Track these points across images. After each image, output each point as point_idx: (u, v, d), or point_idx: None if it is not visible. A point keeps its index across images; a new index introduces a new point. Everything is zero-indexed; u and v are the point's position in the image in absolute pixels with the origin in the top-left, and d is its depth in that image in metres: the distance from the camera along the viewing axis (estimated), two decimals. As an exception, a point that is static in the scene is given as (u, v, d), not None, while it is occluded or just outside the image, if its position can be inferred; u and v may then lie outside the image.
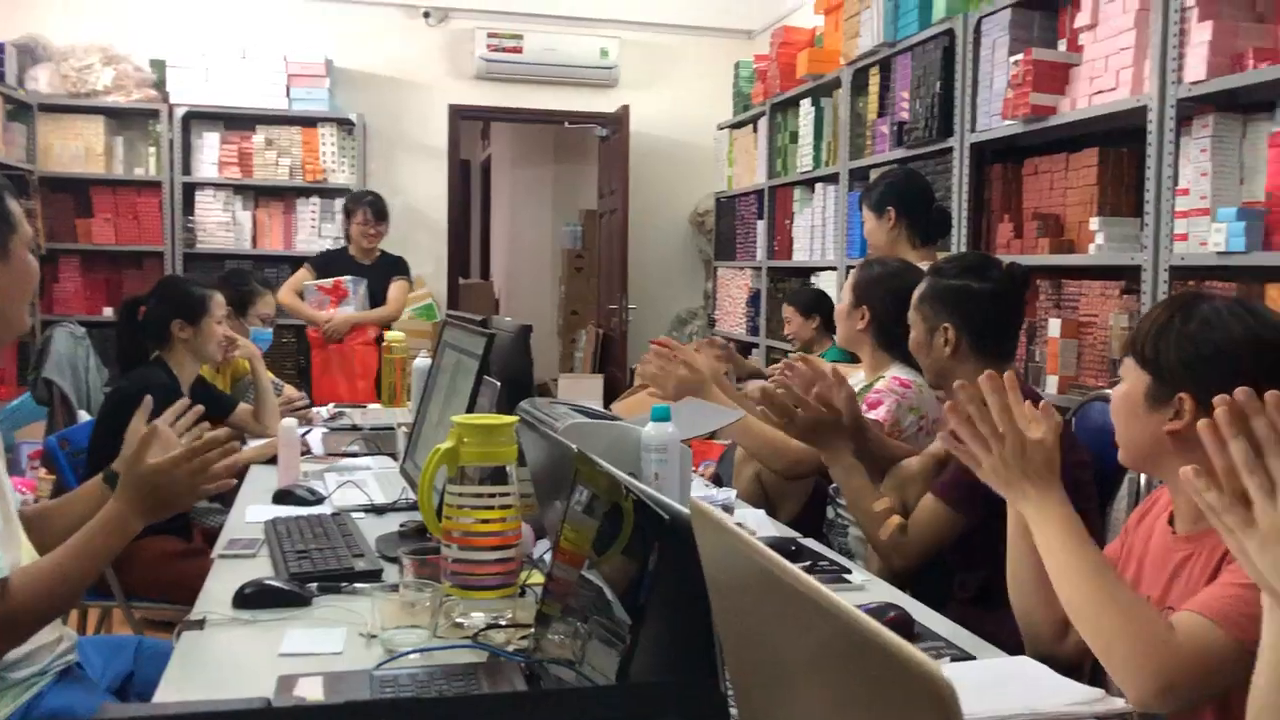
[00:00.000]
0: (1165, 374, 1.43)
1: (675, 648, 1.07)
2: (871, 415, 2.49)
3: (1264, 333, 1.41)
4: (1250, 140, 2.81)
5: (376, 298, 5.11)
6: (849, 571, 1.96)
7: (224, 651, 1.53)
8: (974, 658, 1.53)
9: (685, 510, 1.02)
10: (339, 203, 5.93)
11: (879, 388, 2.59)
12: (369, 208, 5.15)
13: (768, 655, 0.80)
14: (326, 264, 5.19)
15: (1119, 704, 1.32)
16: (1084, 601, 1.34)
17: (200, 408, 1.95)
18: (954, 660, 1.51)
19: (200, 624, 1.61)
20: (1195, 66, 2.82)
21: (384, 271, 5.18)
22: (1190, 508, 1.40)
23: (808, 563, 2.00)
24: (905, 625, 1.61)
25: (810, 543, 2.19)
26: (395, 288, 5.16)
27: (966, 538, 2.10)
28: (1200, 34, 2.81)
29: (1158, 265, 2.96)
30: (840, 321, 2.79)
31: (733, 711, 0.96)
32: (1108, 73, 3.19)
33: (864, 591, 1.85)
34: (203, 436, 1.73)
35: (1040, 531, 1.43)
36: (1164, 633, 1.27)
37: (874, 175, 4.66)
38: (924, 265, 2.80)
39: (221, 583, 1.78)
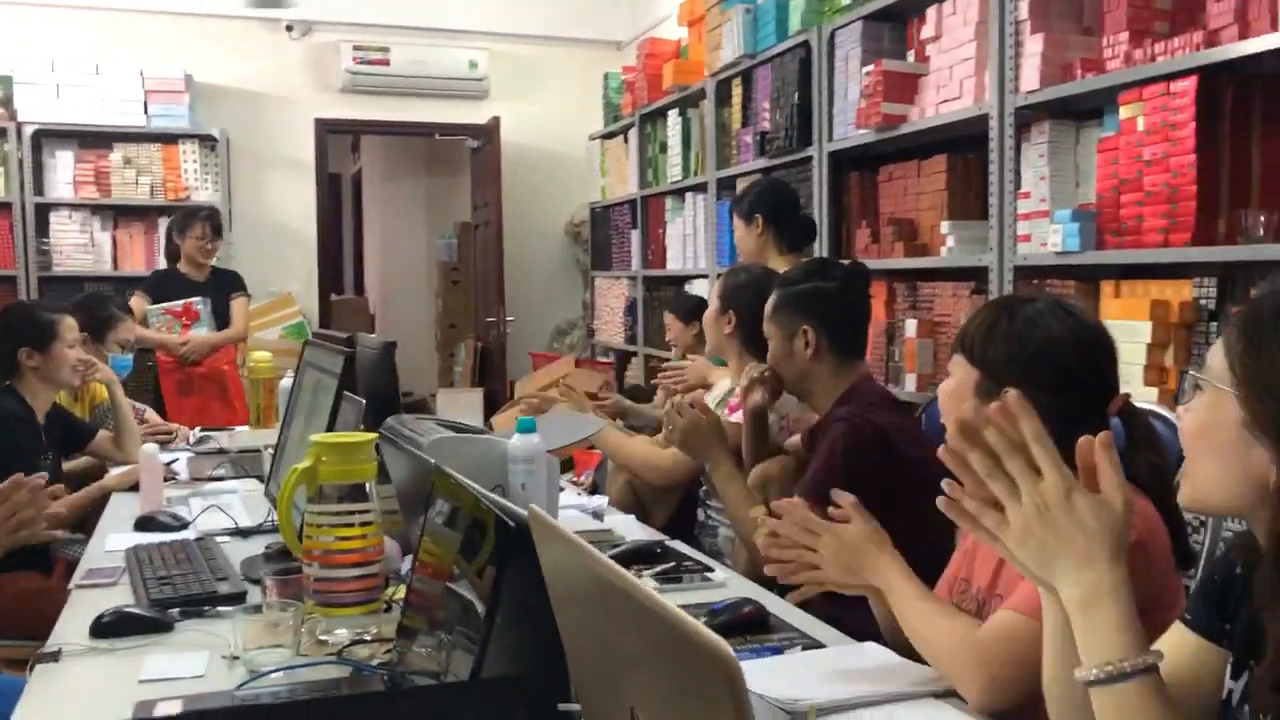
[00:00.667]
0: (994, 369, 1.52)
1: (524, 648, 1.11)
2: (733, 418, 2.57)
3: (1080, 331, 1.53)
4: (1083, 145, 2.98)
5: (218, 315, 4.99)
6: (712, 570, 2.03)
7: (80, 682, 1.51)
8: (824, 646, 1.60)
9: (524, 513, 1.05)
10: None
11: (739, 392, 2.67)
12: (207, 223, 4.99)
13: (600, 648, 0.85)
14: (163, 287, 5.00)
15: (955, 682, 1.40)
16: (913, 631, 1.45)
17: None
18: (805, 649, 1.57)
19: (55, 656, 1.57)
20: (1030, 76, 2.98)
21: (220, 288, 5.05)
22: None
23: (672, 563, 2.05)
24: (760, 618, 1.67)
25: (677, 544, 2.25)
26: (237, 305, 5.04)
27: None
28: (1033, 45, 2.97)
29: (1003, 265, 3.12)
30: (708, 328, 2.87)
31: (576, 706, 1.00)
32: (952, 82, 3.34)
33: (725, 588, 1.92)
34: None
35: (893, 600, 1.52)
36: (970, 635, 1.36)
37: (740, 184, 4.77)
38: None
39: (79, 613, 1.75)
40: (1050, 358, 1.49)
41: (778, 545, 1.59)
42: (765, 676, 1.42)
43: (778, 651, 1.57)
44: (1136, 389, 2.58)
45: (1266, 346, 0.98)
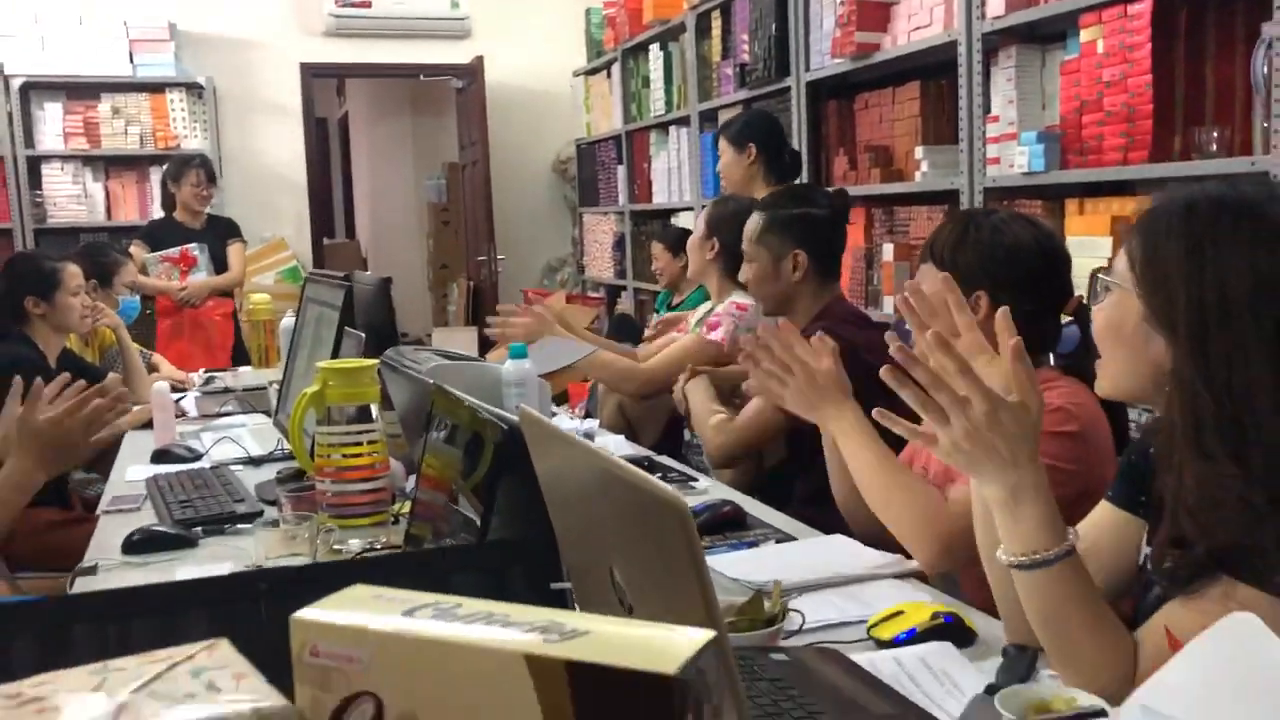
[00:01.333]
0: (966, 275, 1.64)
1: (519, 533, 1.24)
2: (711, 336, 2.72)
3: (1042, 238, 1.67)
4: (1049, 68, 3.08)
5: (216, 261, 5.09)
6: (696, 480, 2.17)
7: (117, 592, 1.65)
8: (796, 539, 1.75)
9: (517, 419, 1.18)
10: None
11: (718, 311, 2.82)
12: (201, 169, 5.06)
13: (582, 522, 0.98)
14: (160, 235, 5.08)
15: (913, 564, 1.55)
16: (875, 489, 1.58)
17: (66, 375, 2.03)
18: (778, 542, 1.72)
19: (93, 570, 1.72)
20: (996, 2, 3.07)
21: (216, 234, 5.13)
22: None
23: (659, 475, 2.20)
24: (738, 516, 1.82)
25: (665, 459, 2.39)
26: (234, 251, 5.13)
27: (799, 445, 2.32)
28: (999, -29, 3.06)
29: (973, 188, 3.23)
30: (692, 253, 3.00)
31: (568, 585, 1.14)
32: (922, 10, 3.43)
33: (706, 494, 2.06)
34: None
35: (842, 442, 1.65)
36: (937, 505, 1.50)
37: (723, 116, 4.86)
38: None
39: (109, 535, 1.89)
40: (1018, 262, 1.62)
41: (758, 358, 1.70)
42: (742, 565, 1.57)
43: (753, 545, 1.71)
44: (1098, 301, 2.72)
45: (1160, 248, 1.11)
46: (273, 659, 0.82)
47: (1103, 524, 1.28)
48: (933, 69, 3.59)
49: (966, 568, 1.52)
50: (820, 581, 1.50)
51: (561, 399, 4.37)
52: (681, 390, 2.54)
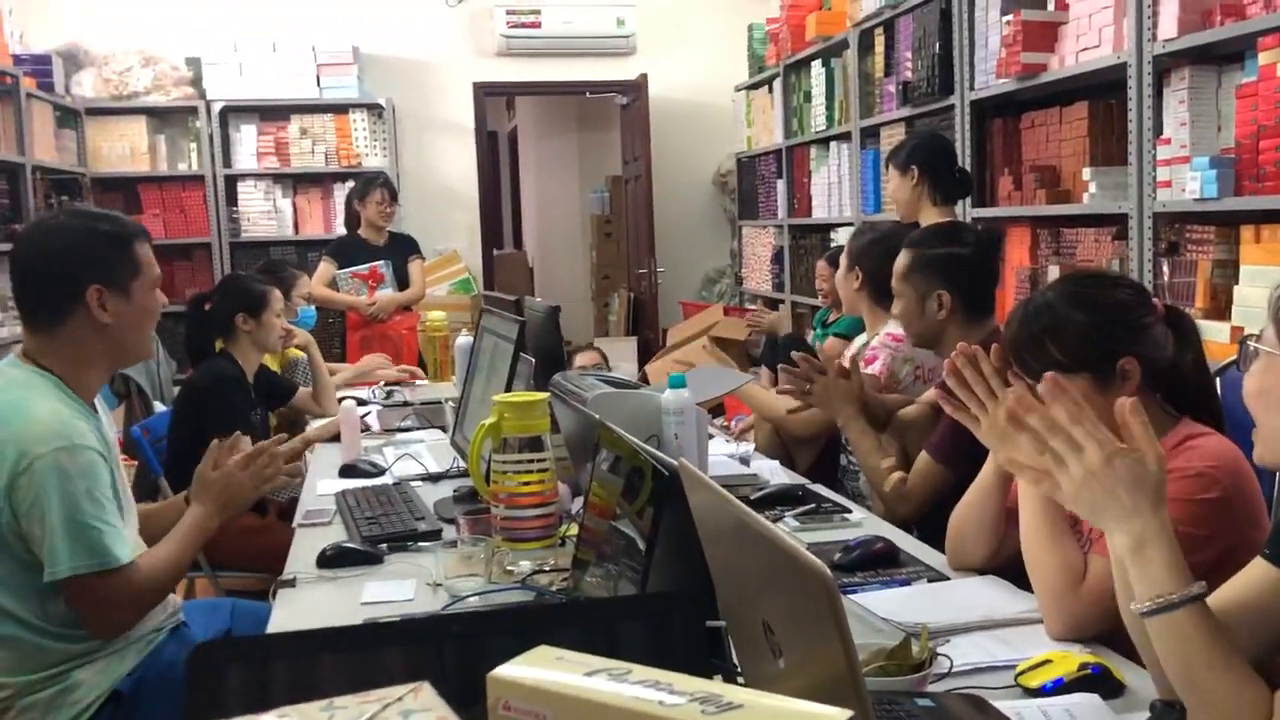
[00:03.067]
0: (1030, 374, 1.65)
1: (679, 576, 1.33)
2: (869, 370, 2.74)
3: (1079, 303, 1.64)
4: (1225, 90, 2.99)
5: (398, 277, 5.34)
6: (849, 511, 2.22)
7: (315, 603, 1.82)
8: (949, 579, 1.78)
9: (676, 463, 1.27)
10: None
11: (873, 345, 2.84)
12: (384, 188, 5.31)
13: (737, 574, 1.06)
14: (346, 252, 5.35)
15: (1064, 610, 1.57)
16: (1030, 540, 1.59)
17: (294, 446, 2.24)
18: (930, 581, 1.76)
19: (292, 583, 1.90)
20: (1168, 25, 3.00)
21: (399, 250, 5.38)
22: None
23: (812, 505, 2.25)
24: (891, 553, 1.86)
25: (818, 488, 2.45)
26: (415, 267, 5.38)
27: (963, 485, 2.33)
28: (1172, -7, 2.99)
29: (1142, 212, 3.16)
30: (839, 285, 3.05)
31: (722, 623, 1.22)
32: (1091, 31, 3.37)
33: (860, 528, 2.11)
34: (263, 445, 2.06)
35: (1020, 483, 1.66)
36: (1074, 581, 1.51)
37: (884, 133, 4.86)
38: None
39: (305, 548, 2.08)
40: (1056, 345, 1.62)
41: (962, 382, 1.72)
42: (892, 604, 1.62)
43: (906, 584, 1.76)
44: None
45: None
46: (458, 692, 0.94)
47: (1255, 581, 1.28)
48: (1101, 88, 3.52)
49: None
50: (970, 624, 1.53)
51: (717, 411, 4.46)
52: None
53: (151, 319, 2.02)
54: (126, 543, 1.86)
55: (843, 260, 3.03)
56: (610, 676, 0.66)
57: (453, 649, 0.92)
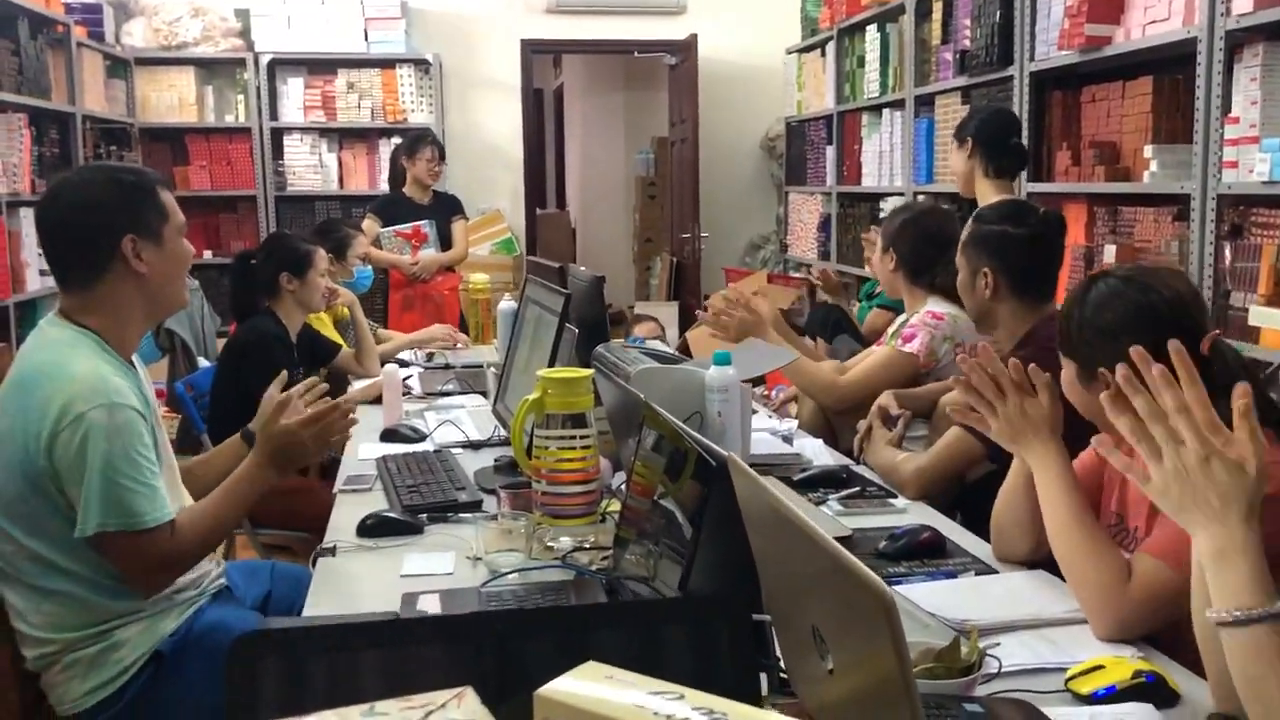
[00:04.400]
0: (1082, 356, 1.62)
1: (724, 565, 1.31)
2: (907, 348, 2.73)
3: (1145, 303, 1.58)
4: (1302, 69, 2.89)
5: (442, 237, 5.31)
6: (894, 496, 2.18)
7: (354, 573, 1.82)
8: (997, 572, 1.75)
9: (725, 455, 1.24)
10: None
11: (913, 322, 2.81)
12: (434, 146, 5.27)
13: (784, 571, 1.04)
14: (391, 210, 5.32)
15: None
16: (1066, 547, 1.55)
17: (324, 386, 2.21)
18: (978, 574, 1.73)
19: (332, 551, 1.89)
20: (1243, -2, 2.89)
21: (443, 210, 5.35)
22: None
23: (857, 488, 2.22)
24: (938, 543, 1.83)
25: (861, 470, 2.41)
26: (458, 228, 5.35)
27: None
28: (1248, -35, 2.88)
29: (1206, 193, 3.07)
30: (876, 269, 3.02)
31: (767, 617, 1.20)
32: (1160, 3, 3.26)
33: (905, 514, 2.08)
34: (321, 401, 2.03)
35: (1040, 480, 1.63)
36: (1120, 579, 1.47)
37: (939, 101, 4.76)
38: (997, 197, 2.98)
39: (345, 515, 2.08)
40: (1121, 339, 1.53)
41: (970, 386, 1.69)
42: (939, 598, 1.59)
43: (952, 575, 1.72)
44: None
45: None
46: (495, 690, 0.92)
47: None
48: (1167, 62, 3.41)
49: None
50: (1018, 622, 1.50)
51: (758, 380, 4.42)
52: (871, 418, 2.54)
53: (184, 265, 2.01)
54: (163, 503, 1.86)
55: (877, 243, 3.01)
56: (663, 701, 0.64)
57: (493, 646, 0.90)
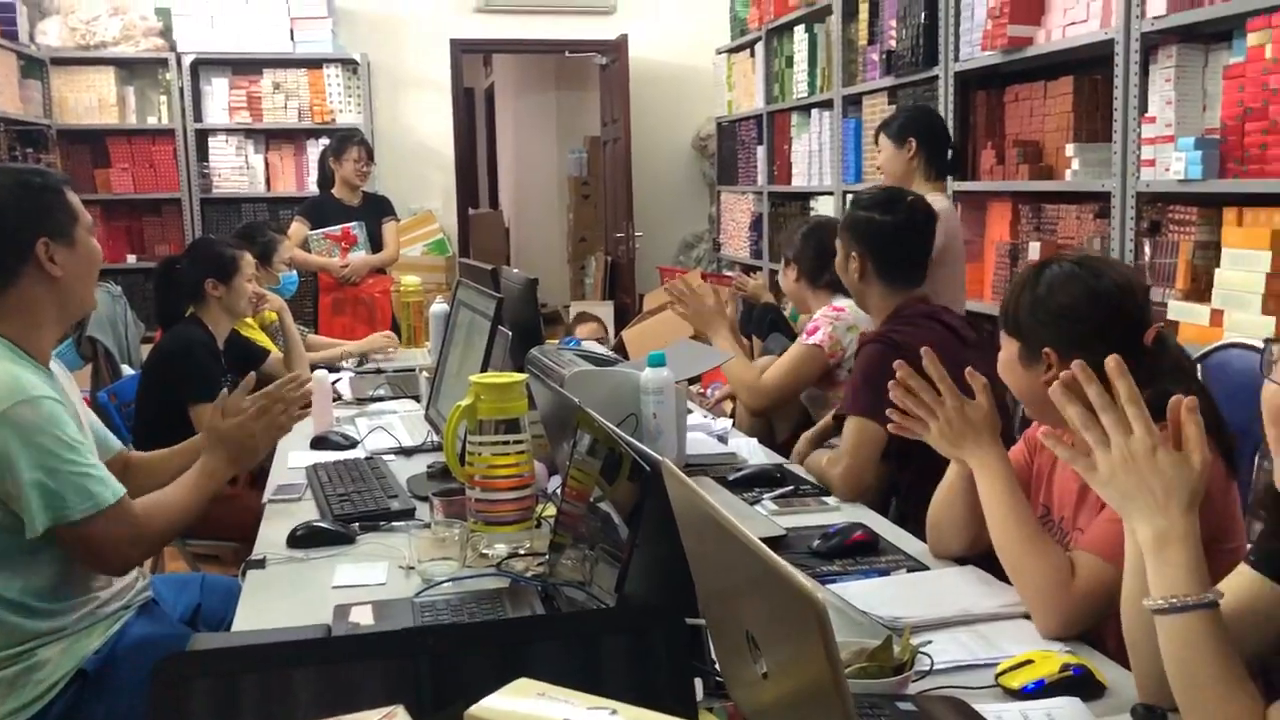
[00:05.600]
0: (1028, 338, 1.64)
1: (660, 568, 1.31)
2: (811, 341, 2.84)
3: (1099, 289, 1.59)
4: (1212, 69, 2.96)
5: (372, 239, 5.24)
6: (828, 494, 2.20)
7: (285, 585, 1.79)
8: (929, 569, 1.77)
9: (659, 460, 1.24)
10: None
11: (815, 317, 2.90)
12: (361, 147, 5.20)
13: (719, 577, 1.04)
14: (319, 212, 5.23)
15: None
16: (1010, 548, 1.57)
17: (251, 379, 2.17)
18: (909, 571, 1.75)
19: (262, 563, 1.86)
20: (1157, 1, 2.96)
21: (373, 211, 5.28)
22: None
23: (790, 487, 2.24)
24: (870, 541, 1.85)
25: (795, 468, 2.43)
26: (388, 230, 5.28)
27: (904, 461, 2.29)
28: (1162, -31, 2.95)
29: (1125, 191, 3.14)
30: (785, 289, 3.16)
31: (702, 621, 1.20)
32: (1079, 5, 3.33)
33: (839, 512, 2.09)
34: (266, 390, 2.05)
35: (982, 483, 1.64)
36: (1064, 576, 1.49)
37: (866, 102, 4.81)
38: (934, 198, 3.03)
39: (275, 526, 2.04)
40: (1071, 321, 1.59)
41: (905, 391, 1.71)
42: (872, 596, 1.61)
43: (885, 573, 1.74)
44: (1254, 317, 2.63)
45: None
46: (431, 705, 0.90)
47: (1246, 590, 1.26)
48: (1087, 63, 3.49)
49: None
50: (949, 619, 1.52)
51: (694, 379, 4.44)
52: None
53: (95, 265, 1.98)
54: (113, 480, 1.83)
55: (783, 260, 3.14)
56: (597, 715, 0.64)
57: (428, 663, 0.89)
